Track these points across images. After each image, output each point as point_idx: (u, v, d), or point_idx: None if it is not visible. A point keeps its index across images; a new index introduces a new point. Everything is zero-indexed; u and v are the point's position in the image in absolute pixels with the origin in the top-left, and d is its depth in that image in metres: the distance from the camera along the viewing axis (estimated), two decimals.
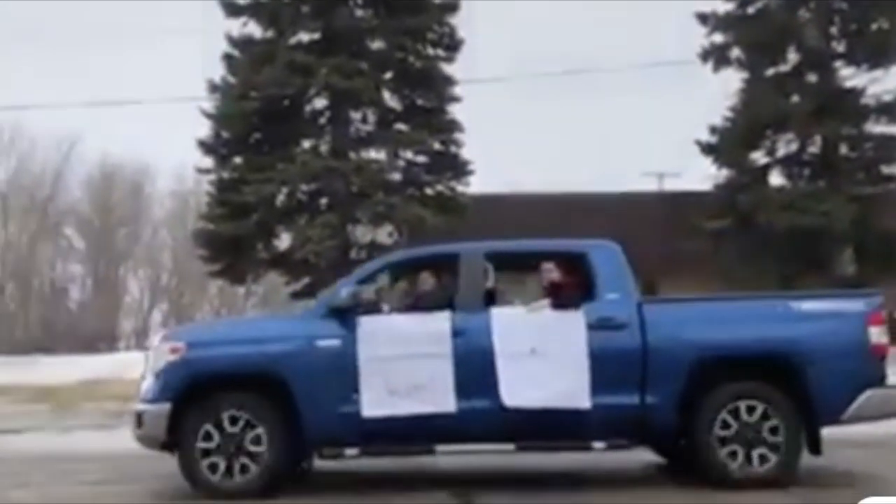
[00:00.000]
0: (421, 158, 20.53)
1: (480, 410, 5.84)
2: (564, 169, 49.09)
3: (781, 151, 21.07)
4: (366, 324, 5.98)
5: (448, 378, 5.83)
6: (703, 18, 21.07)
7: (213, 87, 20.24)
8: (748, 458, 5.89)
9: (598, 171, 44.93)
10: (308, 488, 6.68)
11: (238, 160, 20.31)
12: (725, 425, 5.90)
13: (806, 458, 6.19)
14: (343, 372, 5.86)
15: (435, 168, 20.45)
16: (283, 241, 20.66)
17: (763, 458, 5.91)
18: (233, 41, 20.13)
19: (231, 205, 19.56)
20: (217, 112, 20.13)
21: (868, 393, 5.96)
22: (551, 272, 6.34)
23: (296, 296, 21.79)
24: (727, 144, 20.82)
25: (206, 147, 20.31)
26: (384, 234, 21.66)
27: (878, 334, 6.06)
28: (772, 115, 20.12)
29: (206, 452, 5.84)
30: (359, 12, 20.15)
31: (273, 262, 20.69)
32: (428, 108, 20.50)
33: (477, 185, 20.94)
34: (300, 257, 19.15)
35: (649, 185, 27.97)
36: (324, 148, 20.30)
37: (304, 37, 20.07)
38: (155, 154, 60.05)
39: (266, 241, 20.58)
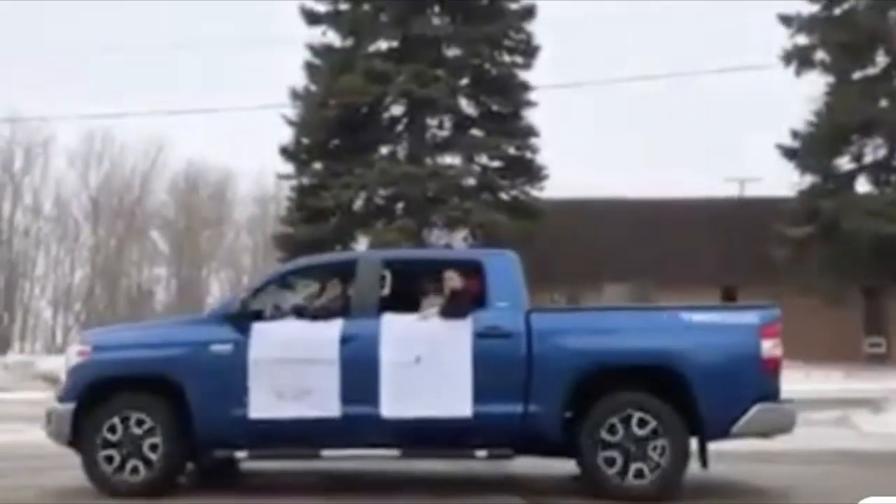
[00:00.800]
0: (496, 163, 20.63)
1: (364, 417, 5.85)
2: (643, 174, 48.48)
3: (868, 157, 20.46)
4: (258, 329, 6.08)
5: (333, 384, 5.87)
6: (786, 20, 20.62)
7: (295, 95, 20.73)
8: (630, 470, 5.71)
9: (677, 176, 44.27)
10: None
11: (318, 166, 20.75)
12: (609, 436, 5.75)
13: (701, 471, 5.99)
14: (234, 376, 5.96)
15: (510, 173, 20.53)
16: (361, 244, 21.01)
17: (644, 471, 5.73)
18: (313, 50, 20.61)
19: (310, 209, 20.00)
20: (298, 119, 20.61)
21: (758, 407, 5.76)
22: (452, 280, 6.26)
23: None
24: (810, 150, 20.32)
25: (288, 153, 20.81)
26: (459, 239, 21.84)
27: (771, 347, 5.84)
28: (858, 120, 19.55)
29: (106, 450, 6.00)
30: (436, 20, 20.39)
31: None
32: (504, 114, 20.61)
33: (554, 189, 20.97)
34: None
35: (731, 191, 27.47)
36: (401, 154, 20.59)
37: (383, 44, 20.45)
38: (237, 159, 61.69)
39: (344, 245, 20.96)
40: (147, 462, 5.98)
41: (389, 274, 6.47)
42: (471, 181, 20.42)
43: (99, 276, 42.92)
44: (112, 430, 6.01)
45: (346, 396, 5.85)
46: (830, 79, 20.47)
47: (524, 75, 20.62)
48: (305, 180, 20.84)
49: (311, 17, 20.53)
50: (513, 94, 20.41)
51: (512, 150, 20.51)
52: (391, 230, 19.27)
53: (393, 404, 5.80)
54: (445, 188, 19.62)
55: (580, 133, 48.28)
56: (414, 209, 19.72)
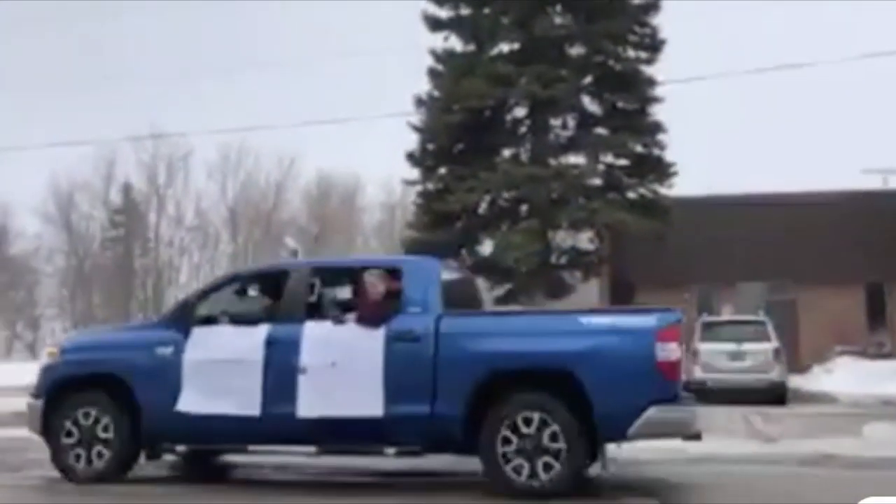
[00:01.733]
0: (622, 162, 20.27)
1: (283, 416, 6.22)
2: (776, 168, 46.47)
3: None
4: (196, 333, 6.62)
5: (256, 385, 6.29)
6: None
7: (419, 102, 21.03)
8: (530, 469, 5.88)
9: (812, 169, 42.06)
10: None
11: (443, 171, 20.95)
12: (508, 436, 5.93)
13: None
14: (173, 375, 6.52)
15: (637, 171, 20.11)
16: (486, 247, 21.08)
17: (544, 468, 5.88)
18: (436, 56, 20.84)
19: (436, 214, 20.23)
20: (423, 125, 20.90)
21: (654, 409, 5.79)
22: (372, 287, 6.52)
23: (499, 301, 22.17)
24: None
25: (413, 159, 21.13)
26: (585, 240, 21.58)
27: (667, 351, 5.85)
28: None
29: (68, 441, 6.69)
30: (558, 19, 20.22)
31: (476, 267, 21.14)
32: (629, 111, 20.22)
33: (683, 187, 20.40)
34: (503, 263, 19.47)
35: (870, 184, 25.86)
36: (524, 156, 20.53)
37: (505, 47, 20.45)
38: (366, 167, 63.13)
39: (470, 248, 21.08)
40: (101, 453, 6.64)
41: (318, 281, 6.93)
42: (596, 181, 20.14)
43: None
44: (74, 423, 6.70)
45: (267, 396, 6.29)
46: None
47: (649, 70, 20.16)
48: (431, 185, 21.08)
49: (434, 24, 20.78)
50: (638, 90, 19.99)
51: (639, 148, 20.09)
52: (516, 232, 19.25)
53: (309, 405, 6.19)
54: (570, 188, 19.43)
55: (709, 127, 46.80)
56: (539, 211, 19.62)
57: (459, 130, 20.16)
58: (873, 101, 45.34)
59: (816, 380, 18.50)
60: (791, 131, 50.78)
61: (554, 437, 5.91)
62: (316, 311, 6.71)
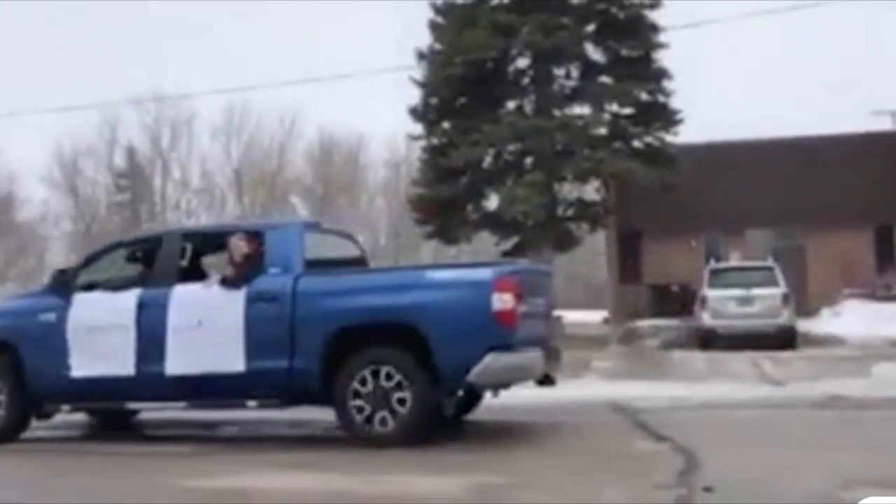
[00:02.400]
0: (627, 110, 20.09)
1: (154, 375, 6.64)
2: (784, 112, 45.97)
3: None
4: (78, 299, 7.01)
5: (130, 346, 6.73)
6: None
7: (421, 56, 20.82)
8: (375, 418, 6.25)
9: (820, 112, 41.60)
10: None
11: (446, 125, 20.83)
12: (359, 387, 6.28)
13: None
14: (57, 340, 6.91)
15: (642, 119, 19.94)
16: (492, 201, 21.04)
17: (388, 419, 6.25)
18: (436, 8, 20.58)
19: (441, 169, 20.16)
20: (425, 79, 20.72)
21: (489, 357, 6.09)
22: (239, 249, 6.90)
23: (506, 254, 22.19)
24: None
25: (416, 114, 20.99)
26: (591, 191, 21.50)
27: (502, 301, 6.14)
28: None
29: None
30: None
31: (483, 222, 21.15)
32: (633, 59, 19.99)
33: (690, 133, 20.23)
34: (509, 217, 19.45)
35: (881, 125, 25.60)
36: (528, 107, 20.37)
37: None
38: (369, 124, 62.78)
39: (476, 203, 21.04)
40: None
41: (189, 247, 7.45)
42: (601, 130, 19.99)
43: None
44: None
45: (140, 357, 6.72)
46: None
47: (652, 16, 19.88)
48: (435, 140, 20.97)
49: None
50: (642, 36, 19.73)
51: (644, 96, 19.90)
52: (522, 185, 19.19)
53: (176, 363, 6.62)
54: (575, 139, 19.30)
55: (715, 72, 46.26)
56: (544, 163, 19.53)
57: (462, 83, 19.98)
58: (883, 42, 44.63)
59: (825, 323, 18.54)
60: (799, 74, 50.16)
61: (399, 387, 6.26)
62: (187, 274, 7.15)
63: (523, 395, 7.41)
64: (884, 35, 44.73)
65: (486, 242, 28.01)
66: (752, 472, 5.16)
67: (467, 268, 7.01)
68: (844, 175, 21.11)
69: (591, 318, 22.74)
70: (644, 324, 19.54)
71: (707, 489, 4.65)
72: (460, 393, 6.81)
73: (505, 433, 7.07)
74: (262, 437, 7.66)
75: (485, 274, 6.39)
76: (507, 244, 21.45)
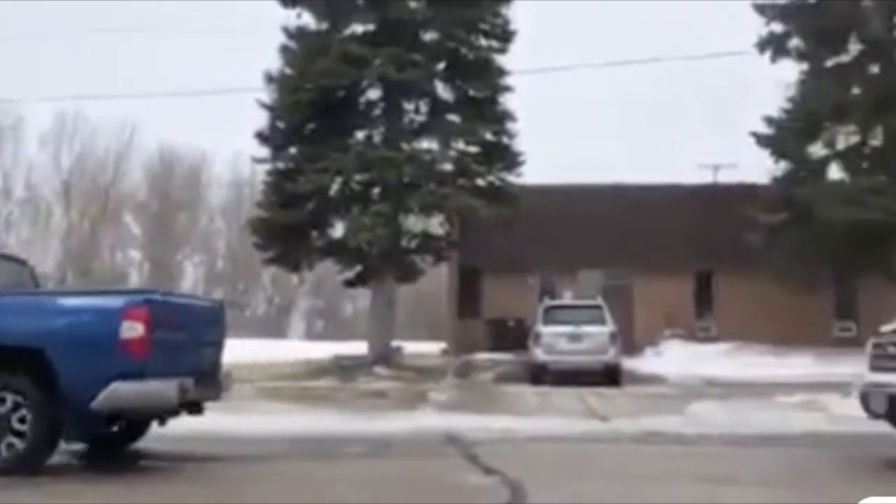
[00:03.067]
0: (473, 149, 20.58)
1: None
2: (619, 160, 48.61)
3: (841, 144, 20.67)
4: None
5: None
6: (760, 9, 20.74)
7: (270, 78, 20.53)
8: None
9: (653, 162, 44.44)
10: None
11: (293, 150, 20.60)
12: None
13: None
14: None
15: (487, 158, 20.48)
16: (337, 229, 20.92)
17: (7, 448, 6.27)
18: (289, 32, 20.39)
19: (286, 194, 19.86)
20: (273, 103, 20.44)
21: (114, 385, 6.22)
22: None
23: (349, 283, 22.08)
24: (784, 137, 20.50)
25: (263, 137, 20.63)
26: (436, 224, 21.82)
27: (132, 329, 6.30)
28: (831, 107, 19.74)
29: None
30: (413, 4, 20.23)
31: (327, 250, 20.98)
32: (480, 99, 20.54)
33: (532, 175, 20.95)
34: (353, 245, 19.40)
35: (705, 178, 27.62)
36: (377, 138, 20.48)
37: (359, 28, 20.26)
38: (212, 143, 60.94)
39: (320, 230, 20.86)
40: None
41: None
42: (447, 166, 20.36)
43: (71, 260, 42.46)
44: None
45: None
46: (804, 66, 20.64)
47: (501, 60, 20.56)
48: (281, 164, 20.68)
49: (287, 0, 20.32)
50: (489, 78, 20.35)
51: (489, 136, 20.46)
52: (367, 214, 19.21)
53: None
54: (422, 173, 19.56)
55: (559, 117, 48.36)
56: (390, 194, 19.65)
57: (311, 109, 19.85)
58: (713, 99, 48.10)
59: (648, 362, 19.61)
60: (634, 125, 53.26)
61: (20, 414, 6.27)
62: None
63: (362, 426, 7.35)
64: (715, 93, 48.20)
65: (329, 271, 27.81)
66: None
67: (100, 295, 7.14)
68: (670, 222, 22.53)
69: (431, 349, 23.00)
70: (481, 357, 19.99)
71: None
72: (118, 423, 6.87)
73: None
74: None
75: (115, 302, 6.50)
76: (350, 273, 21.37)
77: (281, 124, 20.52)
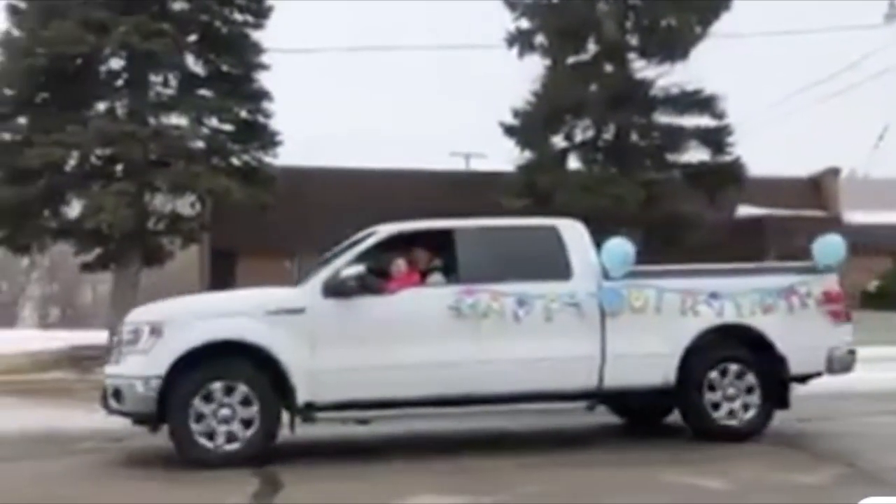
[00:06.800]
0: (227, 127, 19.82)
1: None
2: (374, 144, 49.16)
3: (579, 137, 22.22)
4: None
5: None
6: (511, 4, 21.74)
7: None
8: None
9: (408, 149, 45.48)
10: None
11: (23, 120, 18.75)
12: None
13: None
14: None
15: (241, 137, 19.82)
16: (74, 208, 19.31)
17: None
18: None
19: (13, 168, 18.01)
20: (0, 68, 18.46)
21: None
22: None
23: (87, 267, 20.50)
24: (529, 128, 21.67)
25: None
26: (186, 205, 20.79)
27: None
28: (571, 102, 21.12)
29: None
30: None
31: (62, 231, 19.32)
32: (234, 75, 19.80)
33: (285, 157, 20.55)
34: (92, 227, 17.96)
35: (458, 165, 28.69)
36: (120, 111, 19.12)
37: None
38: None
39: (54, 209, 19.16)
40: None
41: None
42: (199, 144, 19.45)
43: None
44: None
45: None
46: (548, 62, 21.91)
47: (256, 36, 19.93)
48: (8, 136, 18.73)
49: None
50: (244, 54, 19.66)
51: (244, 114, 19.79)
52: (108, 194, 17.86)
53: None
54: (170, 150, 18.52)
55: (314, 100, 47.94)
56: (134, 172, 18.43)
57: (44, 77, 18.13)
58: (470, 90, 49.88)
59: None
60: (402, 109, 54.04)
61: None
62: None
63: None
64: (471, 82, 50.11)
65: (65, 253, 25.68)
66: None
67: None
68: (423, 207, 22.92)
69: None
70: None
71: None
72: None
73: None
74: None
75: None
76: (89, 256, 19.84)
77: (9, 91, 18.60)
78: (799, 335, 7.17)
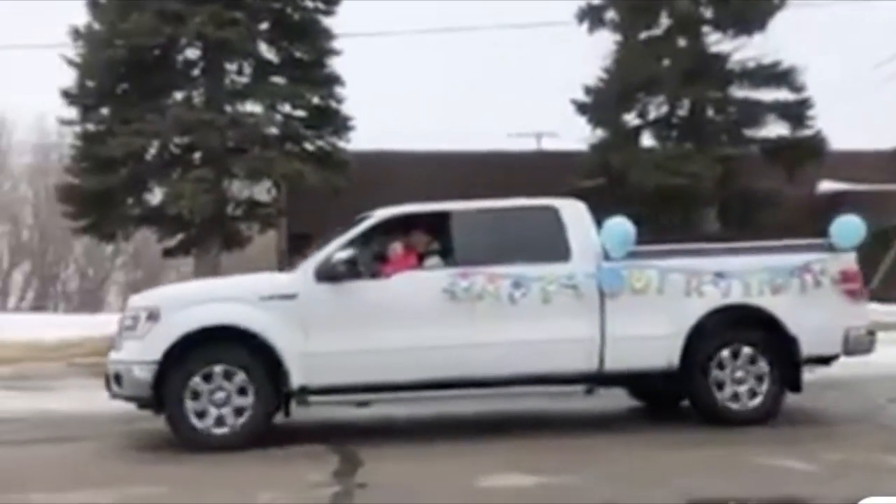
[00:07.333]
0: (300, 113, 20.11)
1: None
2: (448, 127, 49.19)
3: (652, 113, 21.80)
4: None
5: None
6: None
7: (77, 34, 19.15)
8: None
9: (480, 129, 45.25)
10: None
11: (105, 111, 19.37)
12: None
13: None
14: None
15: (314, 123, 20.08)
16: (156, 196, 19.90)
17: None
18: None
19: (97, 158, 18.66)
20: (81, 60, 19.07)
21: None
22: None
23: (169, 252, 21.12)
24: (601, 105, 21.36)
25: (71, 97, 19.25)
26: (262, 191, 21.21)
27: None
28: (643, 78, 20.73)
29: None
30: None
31: (144, 218, 19.95)
32: (306, 62, 20.05)
33: (360, 141, 20.73)
34: (173, 213, 18.49)
35: (528, 145, 28.51)
36: (197, 100, 19.59)
37: None
38: (13, 103, 56.30)
39: (136, 197, 19.79)
40: None
41: None
42: (273, 130, 19.80)
43: None
44: None
45: None
46: (620, 37, 21.53)
47: (327, 22, 20.12)
48: (91, 126, 19.39)
49: None
50: (315, 40, 19.88)
51: (316, 100, 20.03)
52: (188, 181, 18.36)
53: None
54: (246, 137, 18.91)
55: (387, 84, 48.21)
56: (212, 159, 18.88)
57: (124, 68, 18.67)
58: (539, 68, 49.40)
59: None
60: (459, 91, 53.91)
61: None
62: None
63: None
64: (540, 60, 49.58)
65: (148, 240, 26.49)
66: None
67: None
68: (495, 189, 22.90)
69: None
70: None
71: None
72: None
73: None
74: None
75: None
76: (171, 242, 20.44)
77: (91, 83, 19.22)
78: (812, 315, 6.90)
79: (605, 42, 21.48)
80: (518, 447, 6.29)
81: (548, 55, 48.20)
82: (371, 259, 7.06)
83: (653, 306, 6.81)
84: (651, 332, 6.74)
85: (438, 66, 54.18)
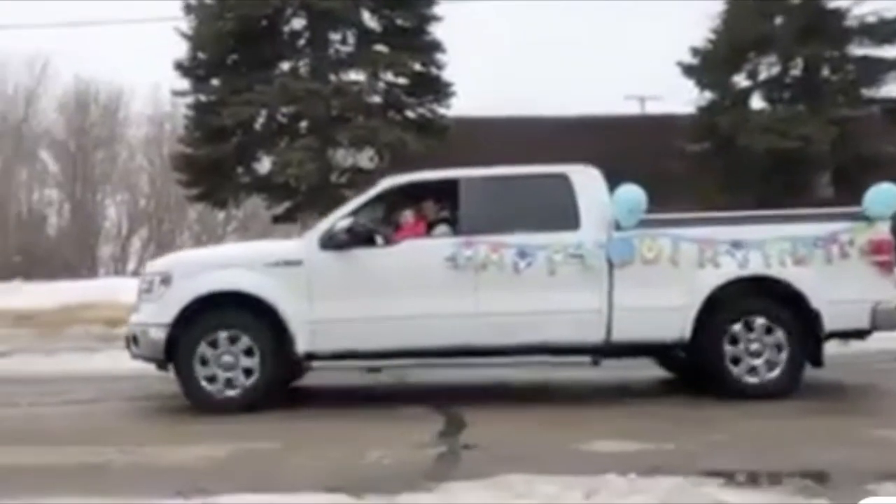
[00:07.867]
0: (402, 80, 20.27)
1: None
2: (548, 91, 48.62)
3: (763, 74, 20.99)
4: None
5: None
6: None
7: (189, 7, 19.78)
8: None
9: (581, 93, 44.56)
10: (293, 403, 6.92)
11: (216, 82, 20.00)
12: None
13: None
14: None
15: (416, 90, 20.22)
16: (264, 164, 20.51)
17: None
18: None
19: (209, 128, 19.34)
20: (193, 33, 19.71)
21: None
22: None
23: (277, 219, 21.77)
24: (709, 67, 20.71)
25: (183, 69, 19.96)
26: (365, 158, 21.55)
27: None
28: (754, 38, 19.96)
29: None
30: None
31: (254, 186, 20.59)
32: (408, 29, 20.16)
33: (461, 107, 20.76)
34: (281, 181, 19.04)
35: (632, 109, 27.85)
36: (303, 70, 20.00)
37: None
38: (130, 75, 58.70)
39: (246, 165, 20.43)
40: None
41: None
42: (376, 98, 20.04)
43: None
44: None
45: None
46: None
47: None
48: (203, 97, 20.08)
49: None
50: (416, 7, 19.95)
51: (417, 67, 20.15)
52: (295, 149, 18.84)
53: None
54: (350, 106, 19.22)
55: (487, 49, 47.91)
56: (318, 127, 19.29)
57: (233, 40, 19.23)
58: (641, 30, 48.18)
59: None
60: (561, 55, 53.12)
61: None
62: None
63: None
64: (647, 26, 48.35)
65: (258, 206, 27.32)
66: None
67: None
68: (597, 153, 22.60)
69: None
70: None
71: None
72: None
73: None
74: None
75: None
76: (279, 209, 21.05)
77: (202, 55, 19.87)
78: (837, 288, 6.54)
79: (715, 3, 20.79)
80: (617, 415, 6.29)
81: (653, 18, 46.86)
82: (376, 227, 7.10)
83: (665, 277, 6.61)
84: (662, 304, 6.54)
85: (541, 30, 53.46)
